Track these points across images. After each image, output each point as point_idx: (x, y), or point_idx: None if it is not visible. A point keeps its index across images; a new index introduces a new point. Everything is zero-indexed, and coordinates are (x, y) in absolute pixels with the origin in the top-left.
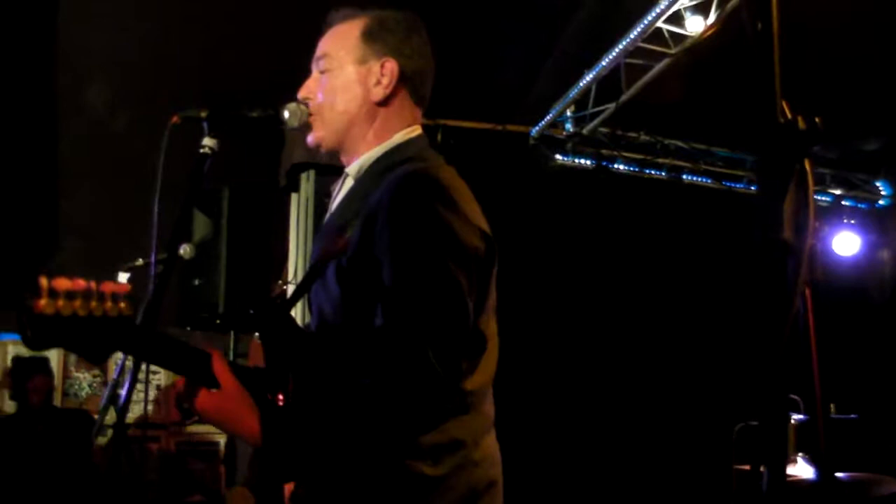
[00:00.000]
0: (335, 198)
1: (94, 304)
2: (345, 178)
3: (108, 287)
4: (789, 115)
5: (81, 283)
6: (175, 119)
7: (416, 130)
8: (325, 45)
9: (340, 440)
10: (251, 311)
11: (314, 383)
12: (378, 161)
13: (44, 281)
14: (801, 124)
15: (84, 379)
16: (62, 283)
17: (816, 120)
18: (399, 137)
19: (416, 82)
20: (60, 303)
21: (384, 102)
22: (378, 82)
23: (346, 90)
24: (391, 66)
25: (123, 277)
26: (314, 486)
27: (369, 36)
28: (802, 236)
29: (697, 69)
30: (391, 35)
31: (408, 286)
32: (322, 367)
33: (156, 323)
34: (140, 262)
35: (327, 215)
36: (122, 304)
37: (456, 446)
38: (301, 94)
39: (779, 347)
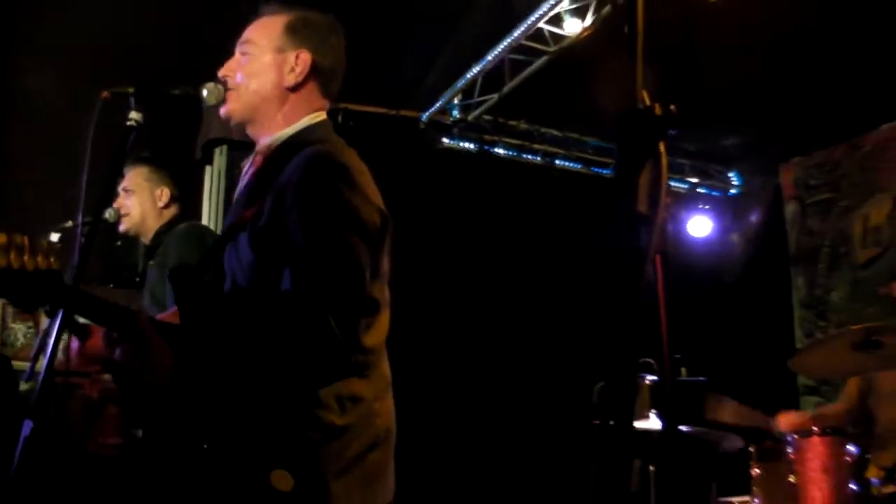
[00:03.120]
0: (246, 172)
1: (26, 258)
2: (255, 155)
3: (37, 243)
4: (648, 103)
5: (15, 237)
6: (105, 94)
7: (320, 116)
8: (251, 32)
9: (244, 388)
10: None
11: (223, 338)
12: (287, 141)
13: None
14: (658, 110)
15: (19, 329)
16: None
17: (672, 107)
18: (305, 121)
19: (327, 78)
20: None
21: (295, 89)
22: (291, 70)
23: (262, 73)
24: (305, 57)
25: (55, 237)
26: (225, 433)
27: (291, 30)
28: (655, 210)
29: (575, 66)
30: (312, 32)
31: (312, 256)
32: (232, 323)
33: (82, 278)
34: (70, 224)
35: (238, 187)
36: (52, 259)
37: (360, 399)
38: (221, 73)
39: (629, 311)
